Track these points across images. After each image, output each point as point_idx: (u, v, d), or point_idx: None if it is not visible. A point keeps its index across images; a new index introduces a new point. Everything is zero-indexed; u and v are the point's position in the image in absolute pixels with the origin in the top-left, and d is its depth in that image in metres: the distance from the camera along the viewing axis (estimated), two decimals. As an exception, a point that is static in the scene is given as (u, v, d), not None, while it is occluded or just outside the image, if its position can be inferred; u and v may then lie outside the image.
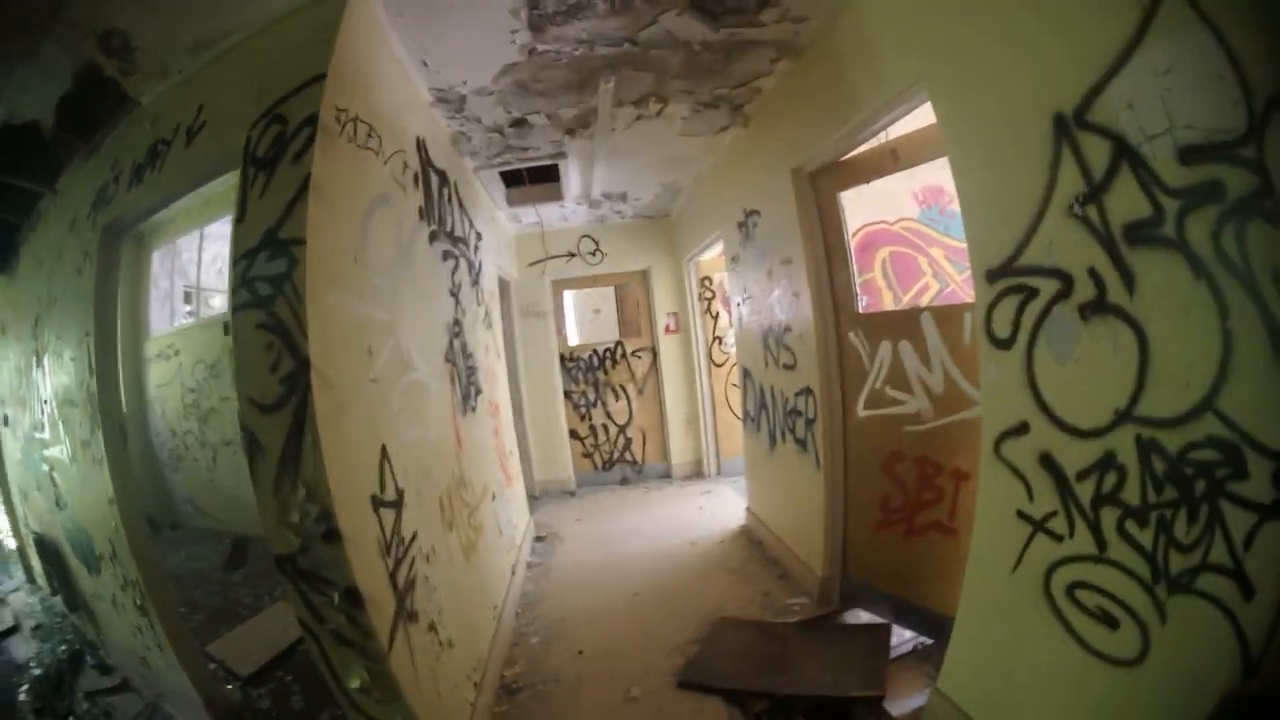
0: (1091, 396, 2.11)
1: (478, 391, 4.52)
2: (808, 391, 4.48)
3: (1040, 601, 2.38)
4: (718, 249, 7.24)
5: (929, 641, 3.69)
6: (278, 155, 2.52)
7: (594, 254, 8.53)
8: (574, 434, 8.58)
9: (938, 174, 4.92)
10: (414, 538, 2.82)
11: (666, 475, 8.62)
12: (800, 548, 4.77)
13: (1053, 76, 2.08)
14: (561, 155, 5.32)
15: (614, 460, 8.69)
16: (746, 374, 5.99)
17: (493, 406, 5.14)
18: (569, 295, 9.78)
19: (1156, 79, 1.76)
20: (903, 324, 3.76)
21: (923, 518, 3.72)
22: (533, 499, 8.00)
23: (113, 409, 3.61)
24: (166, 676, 3.71)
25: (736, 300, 6.04)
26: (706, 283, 8.41)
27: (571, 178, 6.10)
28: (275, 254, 2.37)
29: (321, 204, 2.42)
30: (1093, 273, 2.04)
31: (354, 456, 2.44)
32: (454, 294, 4.14)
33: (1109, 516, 2.11)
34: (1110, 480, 2.08)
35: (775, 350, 5.08)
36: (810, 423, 4.47)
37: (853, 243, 4.25)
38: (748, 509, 6.23)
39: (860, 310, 4.16)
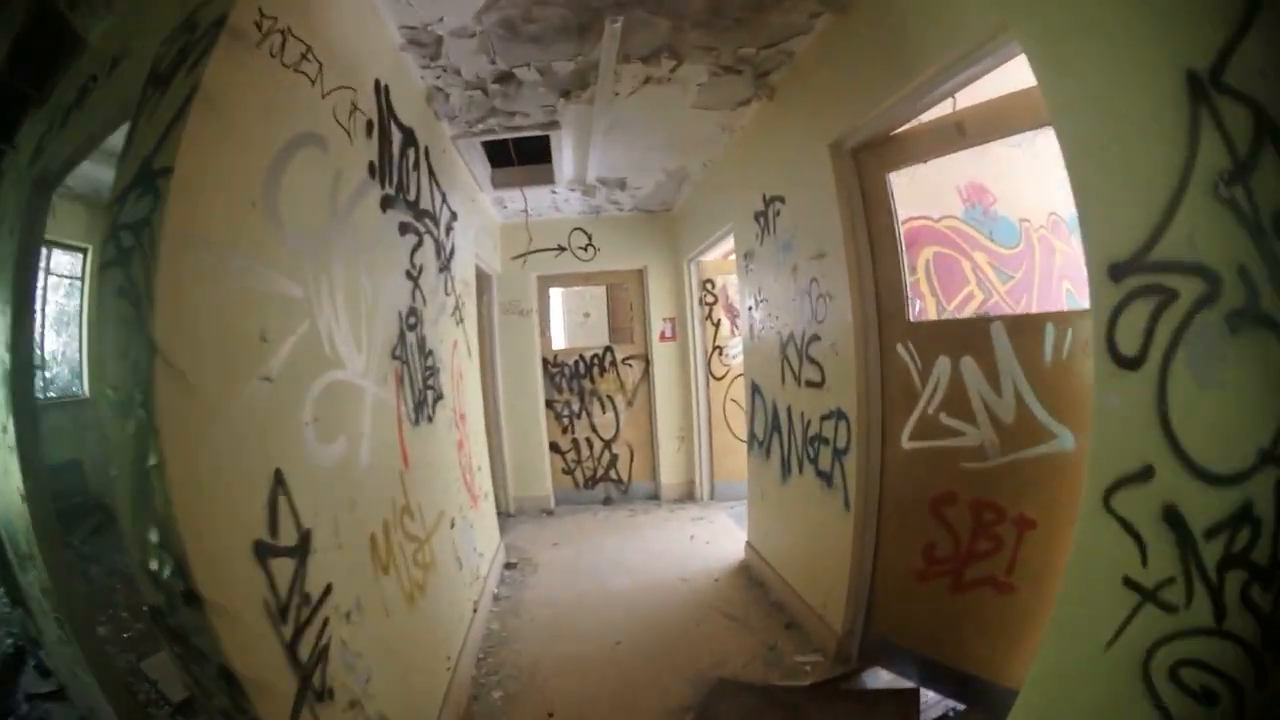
0: (1233, 432, 1.66)
1: (437, 397, 3.79)
2: (839, 415, 3.82)
3: (1135, 682, 1.88)
4: (724, 247, 6.53)
5: (960, 707, 3.22)
6: (175, 67, 1.87)
7: (586, 249, 7.79)
8: (554, 447, 7.85)
9: (982, 169, 4.31)
10: (327, 593, 2.10)
11: (654, 497, 7.90)
12: (814, 595, 4.07)
13: (1180, 26, 1.68)
14: (554, 125, 4.61)
15: (598, 478, 7.96)
16: (756, 390, 5.31)
17: (458, 415, 4.40)
18: (557, 294, 9.06)
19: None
20: (967, 336, 3.13)
21: (975, 571, 3.14)
22: (507, 516, 7.32)
23: (27, 391, 3.10)
24: (91, 694, 3.17)
25: (748, 304, 5.36)
26: (708, 286, 7.69)
27: (565, 157, 5.38)
28: (144, 191, 1.70)
29: (210, 123, 1.75)
30: (1243, 272, 1.60)
31: (227, 487, 1.71)
32: (412, 277, 3.42)
33: (1234, 581, 1.68)
34: (1243, 538, 1.66)
35: (797, 364, 4.43)
36: (840, 453, 3.81)
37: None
38: (748, 543, 5.52)
39: (912, 318, 3.51)
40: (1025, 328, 2.93)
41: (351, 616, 2.27)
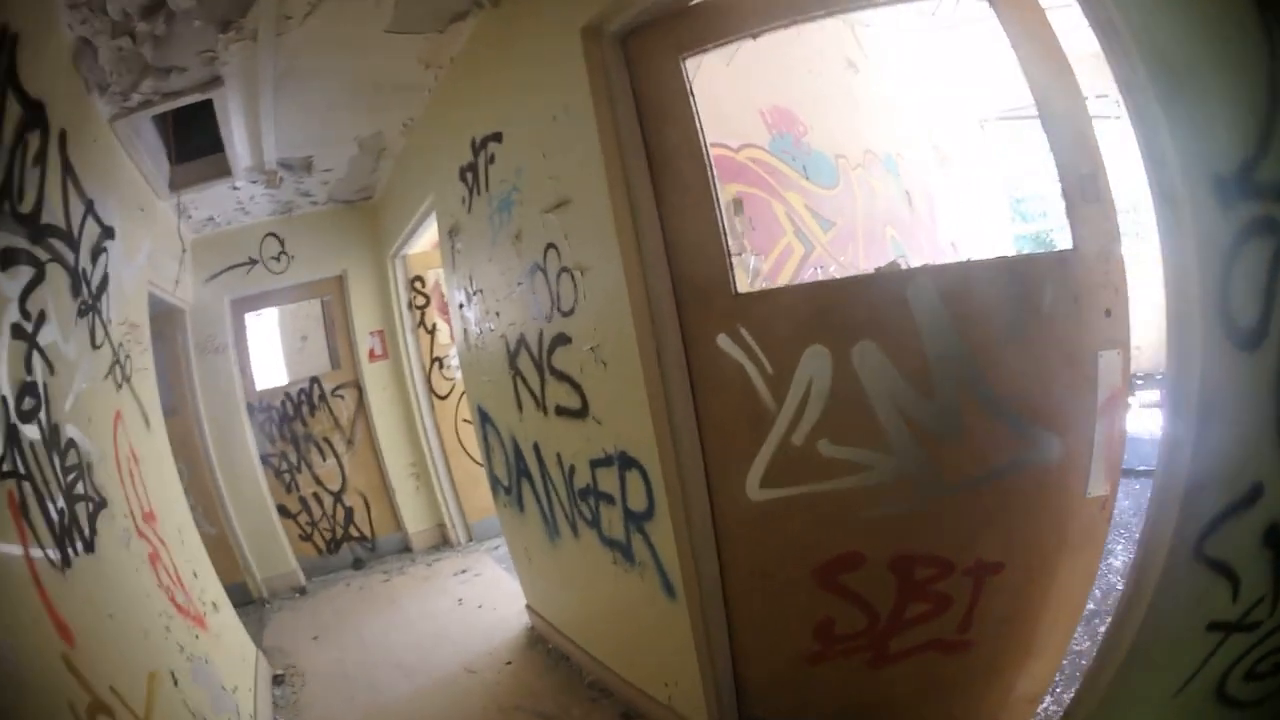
0: None
1: (97, 507, 2.43)
2: (623, 461, 2.84)
3: (1210, 706, 1.60)
4: (432, 232, 5.27)
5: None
6: None
7: (279, 258, 6.35)
8: (284, 511, 6.37)
9: (786, 92, 3.55)
10: None
11: (406, 549, 6.71)
12: (652, 683, 3.19)
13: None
14: (217, 83, 3.41)
15: (339, 538, 6.61)
16: (485, 419, 4.28)
17: (141, 518, 3.02)
18: (264, 318, 7.37)
19: None
20: (858, 306, 2.33)
21: (907, 640, 2.46)
22: (262, 605, 5.87)
23: None
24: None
25: (458, 299, 4.32)
26: (418, 285, 6.55)
27: (236, 132, 4.08)
28: None
29: None
30: None
31: None
32: (25, 335, 2.05)
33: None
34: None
35: (536, 381, 3.41)
36: (638, 518, 2.84)
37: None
38: (529, 606, 4.57)
39: (742, 288, 2.53)
40: (972, 281, 2.22)
41: None
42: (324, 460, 6.54)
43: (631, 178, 2.52)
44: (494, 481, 4.45)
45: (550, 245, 3.00)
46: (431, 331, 6.59)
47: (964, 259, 2.65)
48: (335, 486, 6.57)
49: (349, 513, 6.61)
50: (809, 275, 3.34)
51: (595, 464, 3.00)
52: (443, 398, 6.61)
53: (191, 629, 3.20)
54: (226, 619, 4.02)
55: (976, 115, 6.29)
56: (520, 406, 3.61)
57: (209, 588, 3.94)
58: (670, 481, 2.58)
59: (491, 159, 3.44)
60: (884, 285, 2.34)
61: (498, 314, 3.67)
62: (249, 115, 3.94)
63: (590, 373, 2.92)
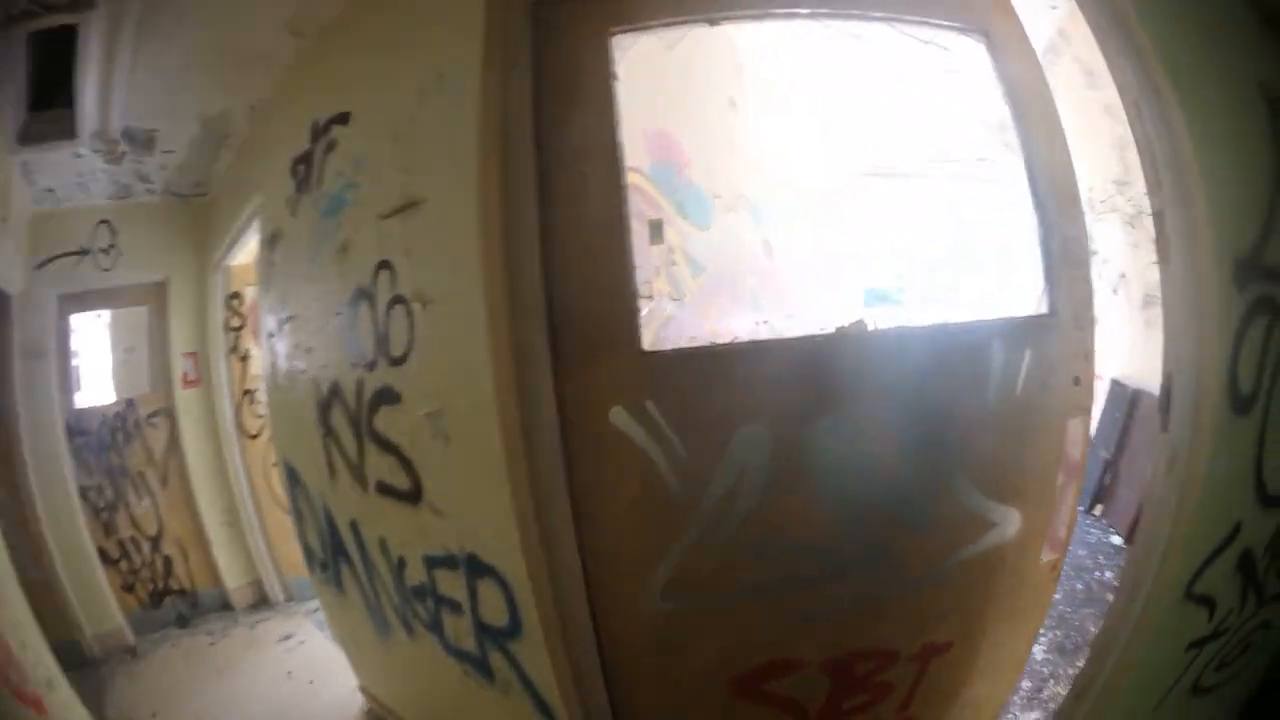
0: None
1: None
2: (476, 567, 2.18)
3: (1187, 701, 1.93)
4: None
5: None
6: None
7: (108, 251, 5.38)
8: (104, 556, 5.33)
9: (672, 117, 3.29)
10: None
11: (227, 606, 5.81)
12: None
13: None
14: (88, 3, 3.00)
15: (161, 591, 5.61)
16: (293, 477, 3.47)
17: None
18: (92, 321, 6.41)
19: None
20: (812, 375, 1.96)
21: None
22: (95, 667, 4.90)
23: None
24: None
25: (268, 328, 3.52)
26: (235, 302, 5.67)
27: (90, 80, 3.51)
28: None
29: None
30: None
31: None
32: None
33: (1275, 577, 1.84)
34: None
35: (353, 444, 2.63)
36: (497, 635, 2.22)
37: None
38: (363, 688, 3.89)
39: (651, 344, 2.07)
40: (948, 348, 1.99)
41: None
42: (139, 499, 5.58)
43: (513, 176, 1.89)
44: (307, 552, 3.65)
45: (383, 264, 2.29)
46: (244, 359, 5.75)
47: (941, 321, 2.27)
48: (152, 531, 5.63)
49: (168, 563, 5.68)
50: (673, 326, 3.06)
51: (432, 562, 2.34)
52: (253, 437, 5.76)
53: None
54: (64, 696, 3.17)
55: (847, 168, 6.60)
56: (333, 473, 2.79)
57: (42, 660, 3.11)
58: (541, 596, 1.98)
59: (331, 146, 2.70)
60: (847, 350, 2.04)
61: (309, 350, 2.91)
62: (106, 60, 3.45)
63: (427, 447, 2.23)
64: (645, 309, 1.99)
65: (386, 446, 2.39)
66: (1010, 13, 2.33)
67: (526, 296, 1.87)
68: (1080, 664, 3.32)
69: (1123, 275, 5.68)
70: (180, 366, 5.61)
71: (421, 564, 2.40)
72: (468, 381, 1.97)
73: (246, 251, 5.08)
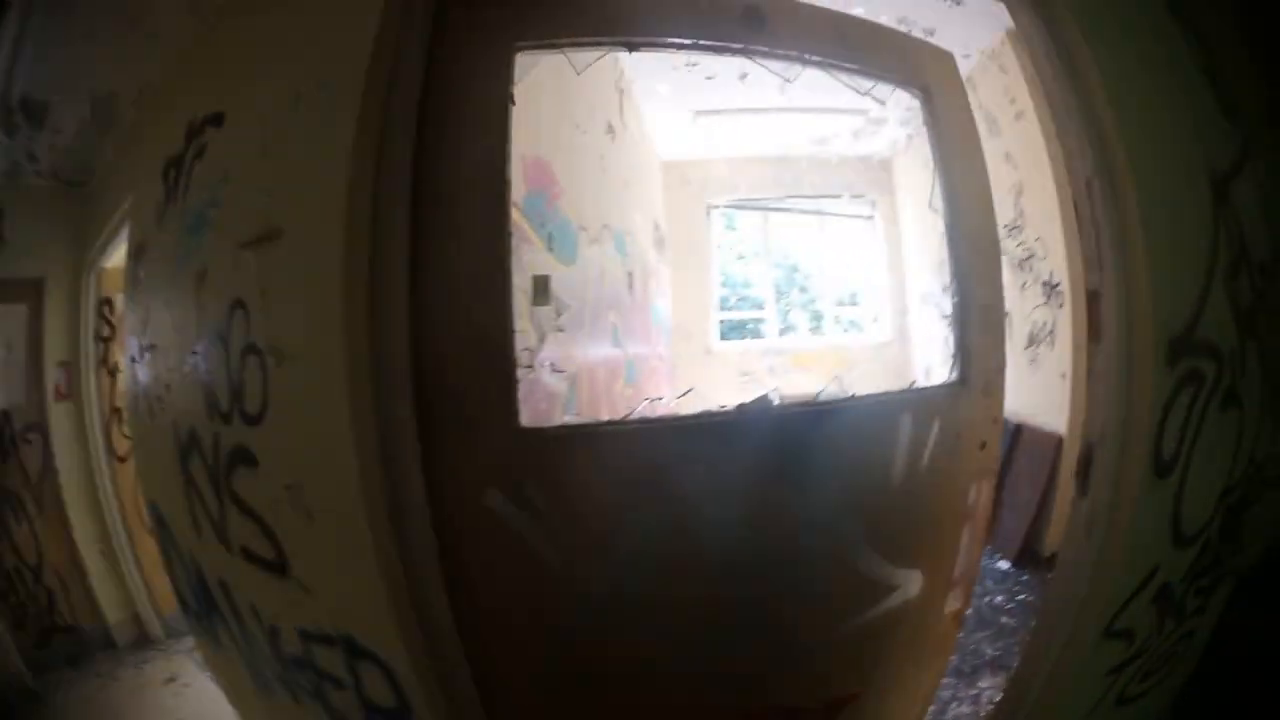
0: (1205, 497, 1.88)
1: None
2: (355, 650, 1.88)
3: (1112, 712, 2.02)
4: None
5: None
6: None
7: None
8: None
9: (548, 146, 3.05)
10: None
11: (110, 644, 5.36)
12: None
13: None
14: None
15: (48, 629, 5.14)
16: (159, 520, 3.06)
17: None
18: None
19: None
20: (712, 457, 1.86)
21: None
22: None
23: None
24: None
25: (131, 351, 3.10)
26: (106, 310, 5.18)
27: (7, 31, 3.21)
28: None
29: None
30: (1232, 354, 1.81)
31: None
32: None
33: (1193, 596, 1.95)
34: (1205, 560, 1.92)
35: (214, 501, 2.25)
36: (389, 714, 1.92)
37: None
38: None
39: (531, 419, 1.87)
40: (855, 422, 1.94)
41: None
42: (18, 524, 5.09)
43: (384, 213, 1.64)
44: (180, 600, 3.23)
45: (238, 304, 1.94)
46: (114, 374, 5.24)
47: (849, 394, 2.16)
48: (33, 561, 5.14)
49: (51, 596, 5.21)
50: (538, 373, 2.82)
51: (309, 638, 2.01)
52: (123, 460, 5.27)
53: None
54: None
55: (705, 200, 6.57)
56: (197, 528, 2.41)
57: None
58: (425, 681, 1.73)
59: (201, 151, 2.32)
60: (750, 429, 1.90)
61: (168, 387, 2.53)
62: (19, 22, 3.16)
63: (289, 520, 1.90)
64: (523, 380, 1.80)
65: (248, 512, 2.06)
66: (954, 73, 2.30)
67: (394, 360, 1.63)
68: (981, 684, 3.40)
69: (1007, 315, 5.93)
70: (53, 377, 5.08)
71: (297, 637, 2.07)
72: (327, 454, 1.71)
73: (120, 254, 4.40)
